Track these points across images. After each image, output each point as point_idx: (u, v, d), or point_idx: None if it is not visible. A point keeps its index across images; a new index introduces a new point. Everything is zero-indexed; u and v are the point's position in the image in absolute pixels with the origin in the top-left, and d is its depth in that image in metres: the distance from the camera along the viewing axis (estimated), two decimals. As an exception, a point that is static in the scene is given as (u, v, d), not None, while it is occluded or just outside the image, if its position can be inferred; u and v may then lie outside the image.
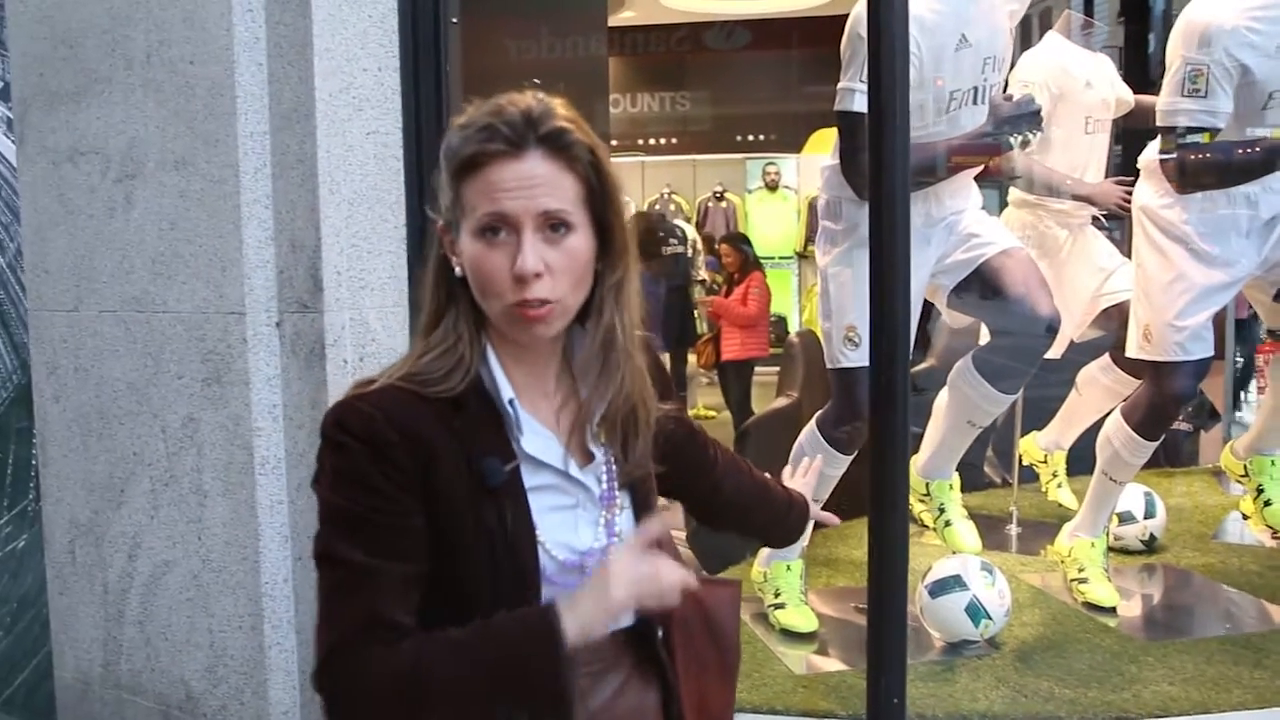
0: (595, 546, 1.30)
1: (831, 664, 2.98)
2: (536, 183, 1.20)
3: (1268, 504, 3.49)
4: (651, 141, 12.00)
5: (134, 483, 2.43)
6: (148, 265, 2.36)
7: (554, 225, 1.21)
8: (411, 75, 2.31)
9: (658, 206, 11.14)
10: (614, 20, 8.94)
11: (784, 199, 11.16)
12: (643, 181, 11.52)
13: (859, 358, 2.92)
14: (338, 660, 1.17)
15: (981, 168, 3.09)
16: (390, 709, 1.16)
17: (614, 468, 1.33)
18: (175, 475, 2.36)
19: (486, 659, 1.17)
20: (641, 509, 1.36)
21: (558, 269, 1.21)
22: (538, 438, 1.28)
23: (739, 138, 11.83)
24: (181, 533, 2.36)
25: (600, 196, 1.25)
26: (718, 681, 1.45)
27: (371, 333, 2.30)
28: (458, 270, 1.25)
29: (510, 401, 1.26)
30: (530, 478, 1.27)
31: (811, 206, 9.66)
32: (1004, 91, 2.96)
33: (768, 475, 1.75)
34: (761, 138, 11.80)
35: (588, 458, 1.32)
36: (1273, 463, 3.52)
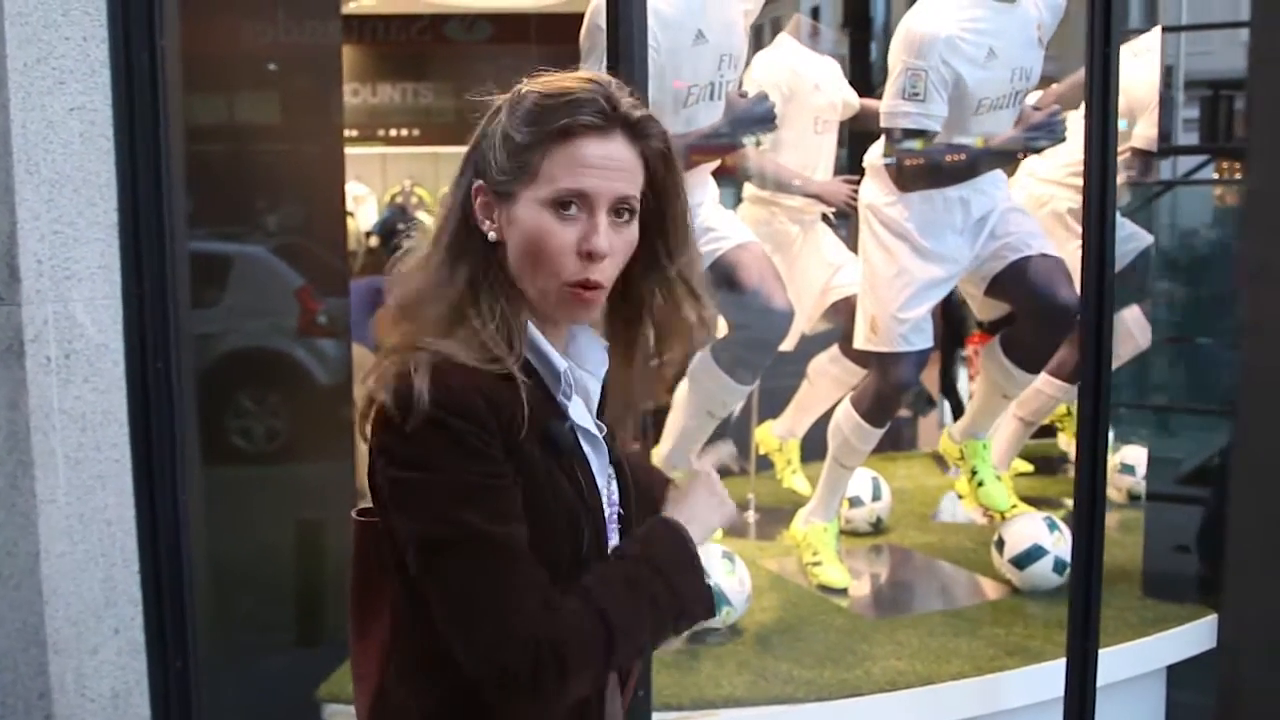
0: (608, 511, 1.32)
1: (578, 658, 2.97)
2: (620, 165, 1.21)
3: (980, 484, 3.74)
4: (393, 133, 11.71)
5: None
6: None
7: (619, 210, 1.22)
8: (121, 48, 2.14)
9: (399, 199, 10.91)
10: (353, 8, 8.67)
11: (524, 193, 11.14)
12: (384, 174, 11.24)
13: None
14: (528, 632, 1.14)
15: (717, 163, 3.16)
16: (594, 664, 1.18)
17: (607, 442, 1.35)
18: None
19: (649, 588, 1.21)
20: (625, 483, 1.37)
21: (616, 254, 1.23)
22: (577, 406, 1.28)
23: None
24: None
25: (667, 185, 1.26)
26: None
27: (79, 327, 2.11)
28: (493, 235, 1.23)
29: (566, 370, 1.26)
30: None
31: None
32: (739, 90, 3.03)
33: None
34: (503, 131, 11.72)
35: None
36: (984, 445, 3.77)
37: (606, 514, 1.31)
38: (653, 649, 1.29)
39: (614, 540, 1.33)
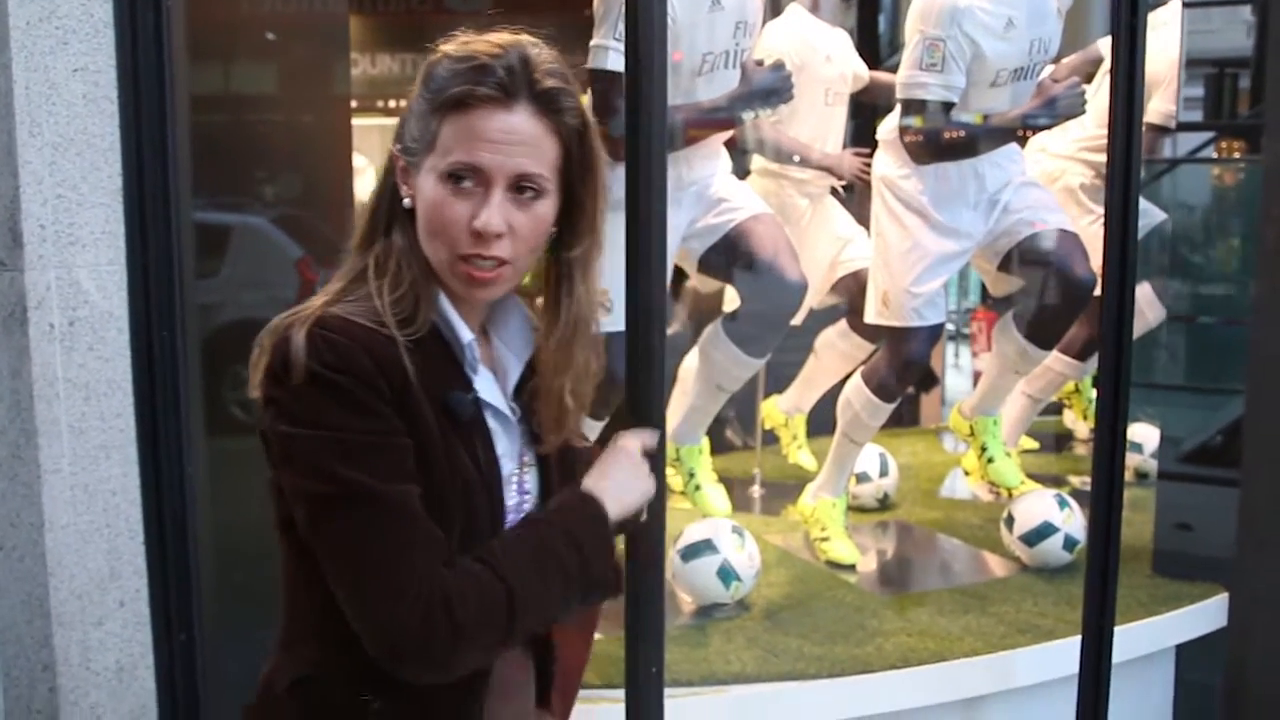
0: (509, 505, 1.27)
1: (585, 633, 2.94)
2: (520, 140, 1.16)
3: (990, 461, 3.71)
4: (392, 104, 11.61)
5: None
6: None
7: (523, 187, 1.17)
8: (125, 7, 2.08)
9: (398, 171, 10.86)
10: (351, -25, 8.59)
11: (526, 165, 11.05)
12: (382, 145, 11.13)
13: (610, 323, 2.86)
14: (418, 592, 1.11)
15: (729, 134, 3.11)
16: (492, 627, 1.14)
17: (523, 427, 1.31)
18: None
19: (557, 556, 1.19)
20: (546, 475, 1.33)
21: (519, 232, 1.18)
22: (486, 380, 1.25)
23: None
24: None
25: (578, 165, 1.22)
26: (575, 633, 1.43)
27: (84, 294, 2.07)
28: (407, 201, 1.20)
29: (470, 343, 1.22)
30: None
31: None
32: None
33: None
34: (503, 103, 11.61)
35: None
36: (995, 422, 3.74)
37: (512, 500, 1.27)
38: (558, 619, 1.26)
39: None
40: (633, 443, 1.36)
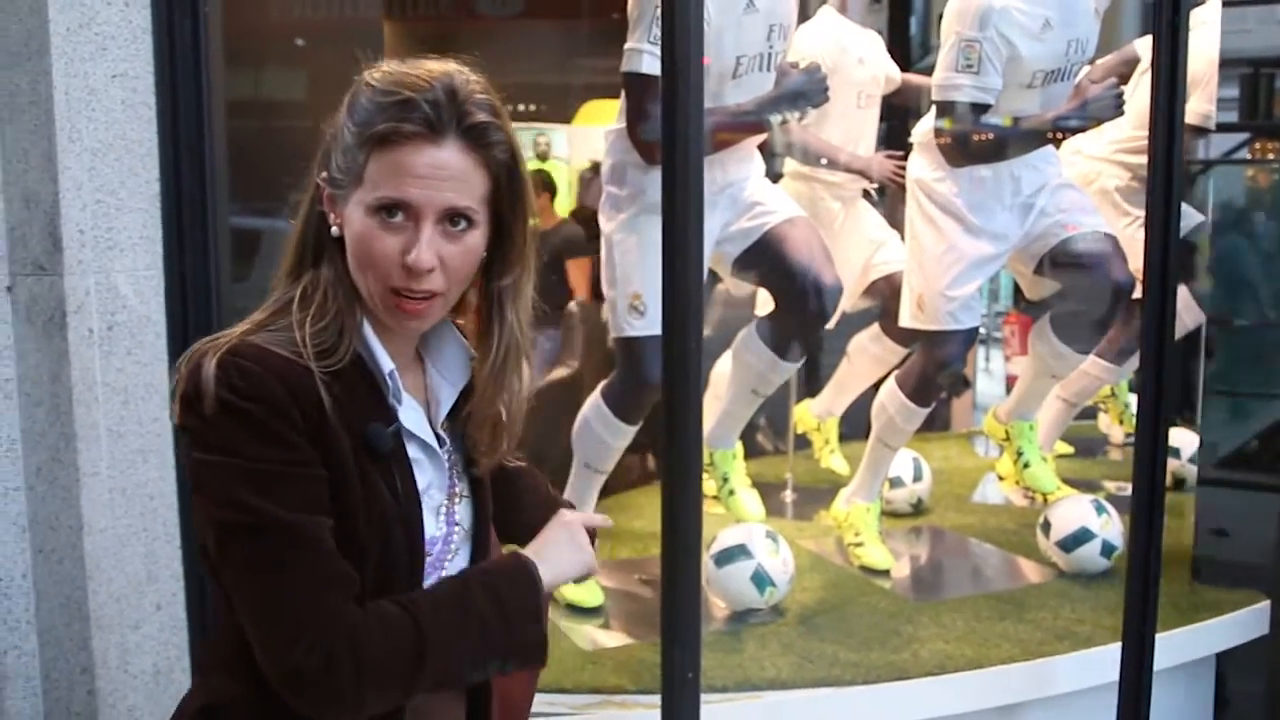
0: (436, 535, 1.25)
1: (618, 638, 2.93)
2: (448, 175, 1.14)
3: (1026, 466, 3.68)
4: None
5: None
6: None
7: (454, 219, 1.16)
8: (164, 13, 2.09)
9: (427, 175, 10.85)
10: (379, -19, 8.61)
11: (554, 169, 11.06)
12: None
13: (644, 326, 2.87)
14: (322, 627, 1.09)
15: (763, 137, 3.10)
16: (398, 671, 1.12)
17: (457, 456, 1.30)
18: (-114, 460, 2.08)
19: (479, 613, 1.17)
20: (480, 506, 1.31)
21: (449, 264, 1.16)
22: (411, 411, 1.23)
23: (509, 107, 11.61)
24: (-106, 525, 2.09)
25: (507, 196, 1.20)
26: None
27: (122, 299, 2.08)
28: (335, 230, 1.18)
29: (390, 373, 1.20)
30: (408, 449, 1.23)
31: (581, 178, 9.61)
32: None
33: (554, 491, 1.65)
34: (532, 107, 11.61)
35: (438, 440, 1.27)
36: (1030, 427, 3.71)
37: (440, 531, 1.25)
38: (471, 679, 1.23)
39: (457, 562, 1.28)
40: (575, 517, 1.37)
